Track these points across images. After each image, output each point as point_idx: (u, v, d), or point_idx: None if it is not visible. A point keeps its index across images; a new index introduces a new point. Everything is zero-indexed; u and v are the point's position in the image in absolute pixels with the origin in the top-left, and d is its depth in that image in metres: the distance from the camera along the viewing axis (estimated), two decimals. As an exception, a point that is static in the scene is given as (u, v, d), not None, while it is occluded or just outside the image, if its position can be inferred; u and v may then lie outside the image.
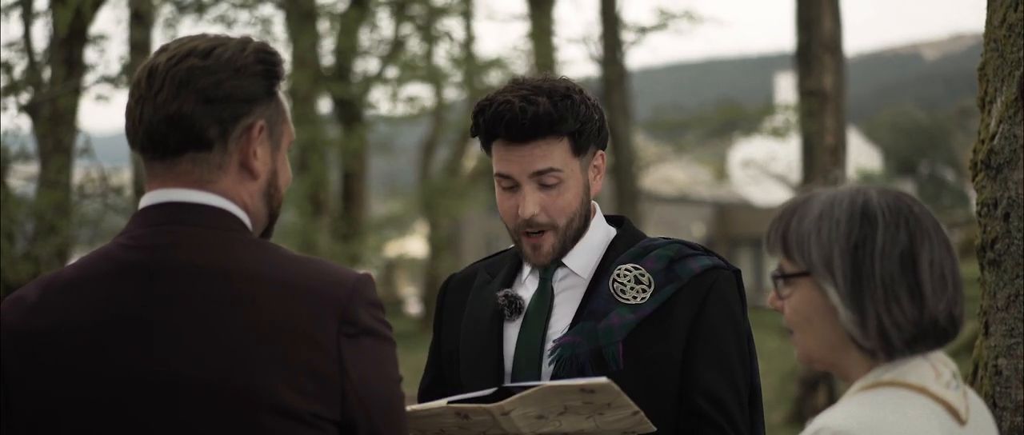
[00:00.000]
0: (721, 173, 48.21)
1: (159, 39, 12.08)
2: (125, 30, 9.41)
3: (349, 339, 1.83)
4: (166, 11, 14.24)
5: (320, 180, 16.28)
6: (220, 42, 1.91)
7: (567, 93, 2.52)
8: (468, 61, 17.66)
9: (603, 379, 2.20)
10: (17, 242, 8.08)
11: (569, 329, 2.53)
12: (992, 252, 2.72)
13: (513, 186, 2.55)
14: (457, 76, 17.68)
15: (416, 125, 20.64)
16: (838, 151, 14.17)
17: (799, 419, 13.35)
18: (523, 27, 21.79)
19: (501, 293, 2.61)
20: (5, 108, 8.13)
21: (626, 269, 2.55)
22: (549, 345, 2.54)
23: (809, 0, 14.13)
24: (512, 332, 2.59)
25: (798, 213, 1.82)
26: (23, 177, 8.89)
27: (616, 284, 2.53)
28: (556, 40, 18.20)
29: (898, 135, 56.56)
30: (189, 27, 15.18)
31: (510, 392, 2.26)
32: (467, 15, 18.88)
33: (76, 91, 8.50)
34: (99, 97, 8.44)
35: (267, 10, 16.25)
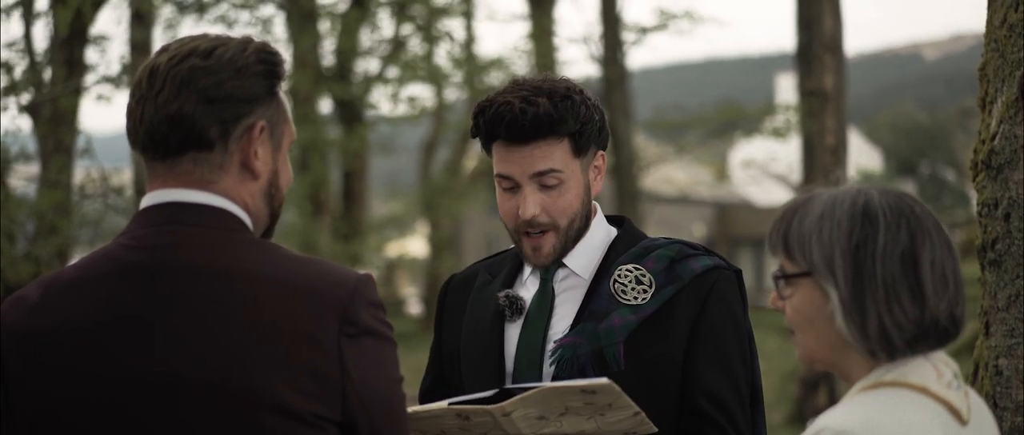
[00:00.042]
0: (722, 173, 48.21)
1: (160, 39, 12.08)
2: (126, 30, 9.42)
3: (350, 339, 1.83)
4: (167, 11, 14.25)
5: (321, 180, 16.28)
6: (221, 42, 1.91)
7: (567, 94, 2.51)
8: (469, 61, 17.65)
9: (604, 380, 2.20)
10: (18, 242, 8.09)
11: (570, 330, 2.53)
12: (993, 252, 2.72)
13: (513, 187, 2.55)
14: (458, 76, 17.67)
15: (417, 125, 20.63)
16: (839, 151, 14.17)
17: (800, 419, 13.35)
18: (524, 27, 21.82)
19: (502, 294, 2.61)
20: (6, 108, 8.13)
21: (627, 270, 2.55)
22: (550, 346, 2.54)
23: (810, 0, 14.12)
24: (513, 333, 2.59)
25: (799, 213, 1.83)
26: (24, 177, 8.89)
27: (617, 284, 2.53)
28: (557, 40, 18.23)
29: (899, 135, 56.56)
30: (190, 27, 15.18)
31: (511, 393, 2.26)
32: (468, 15, 18.88)
33: (77, 91, 8.51)
34: (100, 97, 8.44)
35: (268, 10, 16.22)
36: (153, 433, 1.81)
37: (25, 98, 8.42)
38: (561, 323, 2.56)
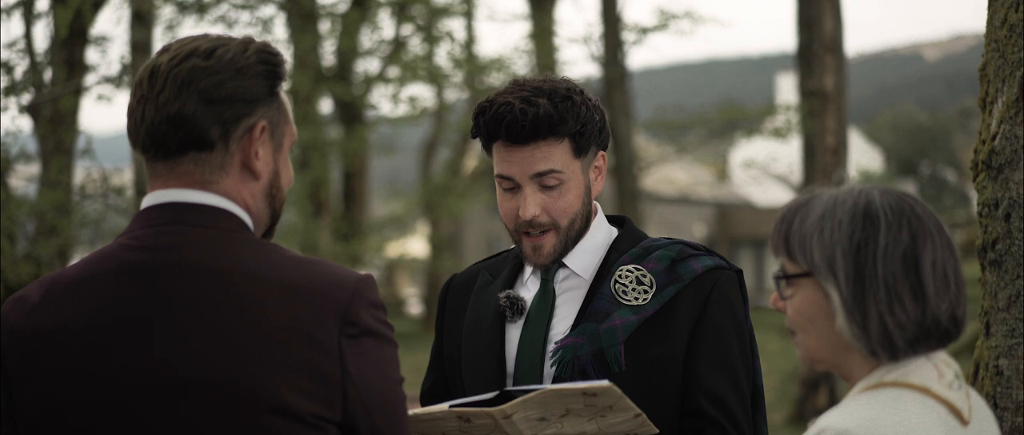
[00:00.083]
0: (722, 173, 48.22)
1: (160, 40, 12.09)
2: (126, 30, 9.42)
3: (351, 340, 1.83)
4: (167, 12, 14.25)
5: (321, 180, 16.28)
6: (222, 42, 1.91)
7: (568, 94, 2.51)
8: (469, 61, 17.66)
9: (605, 382, 2.20)
10: (18, 242, 8.09)
11: (571, 330, 2.52)
12: (993, 252, 2.72)
13: (514, 187, 2.55)
14: (458, 76, 17.67)
15: (417, 125, 20.64)
16: (839, 151, 14.17)
17: (800, 420, 13.35)
18: (524, 27, 21.81)
19: (503, 294, 2.61)
20: (6, 108, 8.14)
21: (628, 270, 2.54)
22: (551, 346, 2.53)
23: (810, 0, 14.12)
24: (514, 333, 2.59)
25: (800, 214, 1.82)
26: (24, 178, 8.90)
27: (618, 285, 2.53)
28: (557, 40, 18.21)
29: (899, 135, 56.58)
30: (190, 28, 15.19)
31: (512, 396, 2.26)
32: (468, 15, 18.88)
33: (77, 91, 8.51)
34: (100, 97, 8.45)
35: (268, 11, 16.22)
36: (154, 433, 1.81)
37: (25, 98, 8.42)
38: (562, 324, 2.55)
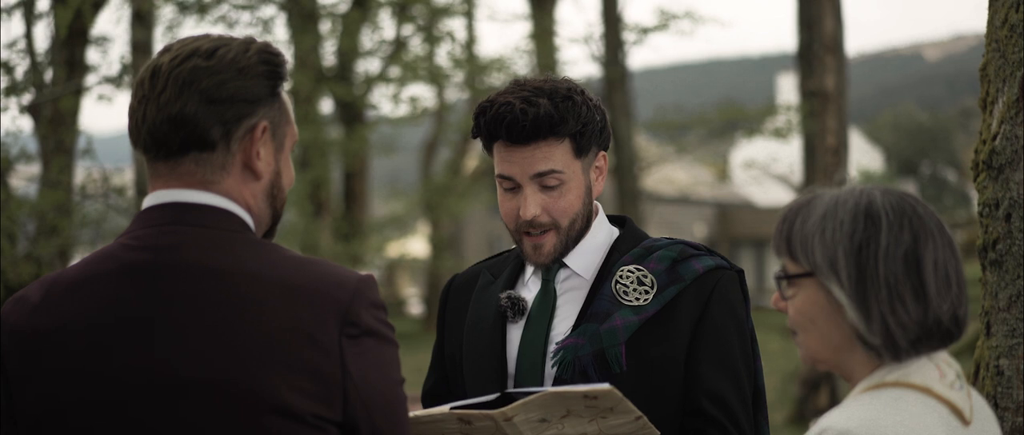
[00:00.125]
0: (722, 174, 48.22)
1: (161, 40, 12.10)
2: (127, 31, 9.43)
3: (351, 340, 1.83)
4: (168, 12, 14.26)
5: (321, 180, 16.28)
6: (224, 42, 1.91)
7: (568, 94, 2.51)
8: (470, 61, 17.66)
9: (606, 386, 2.19)
10: (19, 243, 8.09)
11: (572, 331, 2.52)
12: (994, 252, 2.72)
13: (514, 187, 2.55)
14: (459, 76, 17.68)
15: (418, 125, 20.64)
16: (840, 152, 14.17)
17: (801, 420, 13.35)
18: (525, 27, 21.81)
19: (504, 295, 2.61)
20: (7, 109, 8.14)
21: (629, 270, 2.54)
22: (552, 347, 2.53)
23: (810, 0, 14.12)
24: (515, 334, 2.59)
25: (802, 214, 1.82)
26: (25, 178, 8.90)
27: (619, 285, 2.53)
28: (558, 40, 18.22)
29: (900, 135, 56.58)
30: (191, 28, 15.20)
31: (512, 398, 2.26)
32: (469, 15, 18.88)
33: (78, 92, 8.52)
34: (101, 98, 8.45)
35: (269, 11, 16.22)
36: (154, 433, 1.81)
37: (26, 98, 8.43)
38: (563, 324, 2.55)
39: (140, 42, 9.22)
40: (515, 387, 2.54)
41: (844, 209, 1.79)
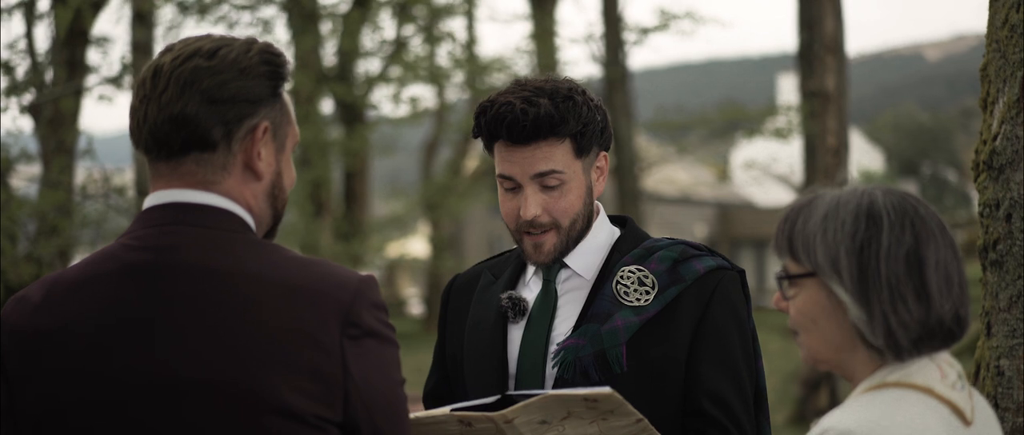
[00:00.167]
0: (723, 174, 48.21)
1: (161, 40, 12.09)
2: (127, 31, 9.43)
3: (352, 341, 1.83)
4: (168, 13, 14.26)
5: (322, 180, 16.29)
6: (225, 43, 1.91)
7: (569, 94, 2.51)
8: (470, 62, 17.67)
9: (606, 389, 2.19)
10: (19, 243, 8.09)
11: (573, 331, 2.52)
12: (994, 253, 2.72)
13: (515, 187, 2.54)
14: (459, 76, 17.68)
15: (418, 125, 20.65)
16: (840, 152, 14.18)
17: (802, 420, 13.35)
18: (525, 27, 21.80)
19: (505, 295, 2.61)
20: (7, 109, 8.14)
21: (630, 271, 2.54)
22: (553, 347, 2.53)
23: (811, 1, 14.13)
24: (516, 334, 2.59)
25: (804, 214, 1.82)
26: (25, 178, 8.91)
27: (619, 286, 2.53)
28: (558, 40, 18.23)
29: (900, 136, 56.58)
30: (191, 28, 15.21)
31: (513, 400, 2.26)
32: (469, 16, 18.89)
33: (78, 92, 8.52)
34: (101, 98, 8.46)
35: (269, 11, 16.23)
36: (154, 433, 1.81)
37: (26, 99, 8.43)
38: (564, 324, 2.55)
39: (140, 42, 9.22)
40: (516, 387, 2.54)
41: (846, 209, 1.79)
